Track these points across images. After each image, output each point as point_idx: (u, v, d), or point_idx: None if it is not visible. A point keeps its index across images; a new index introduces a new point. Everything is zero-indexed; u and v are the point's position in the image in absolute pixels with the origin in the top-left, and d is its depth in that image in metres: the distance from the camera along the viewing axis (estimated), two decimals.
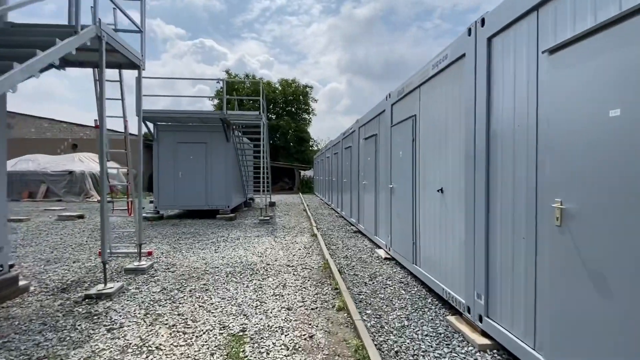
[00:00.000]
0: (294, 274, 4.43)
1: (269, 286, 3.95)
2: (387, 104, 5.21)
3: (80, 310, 3.20)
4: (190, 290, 3.80)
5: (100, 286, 3.64)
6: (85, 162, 17.07)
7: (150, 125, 9.40)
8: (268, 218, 8.93)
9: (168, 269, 4.70)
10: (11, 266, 3.66)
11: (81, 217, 9.45)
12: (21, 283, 3.64)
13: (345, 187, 9.21)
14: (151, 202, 9.87)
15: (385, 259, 5.14)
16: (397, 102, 4.79)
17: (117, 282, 3.95)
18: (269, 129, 16.40)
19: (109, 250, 4.47)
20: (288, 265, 4.86)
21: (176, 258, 5.25)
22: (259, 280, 4.19)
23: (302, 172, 27.06)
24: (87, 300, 3.44)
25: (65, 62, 4.09)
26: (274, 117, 28.89)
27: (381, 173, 5.64)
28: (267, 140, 11.07)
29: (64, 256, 5.30)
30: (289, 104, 30.06)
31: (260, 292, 3.73)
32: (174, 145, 9.47)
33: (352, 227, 8.20)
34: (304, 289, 3.84)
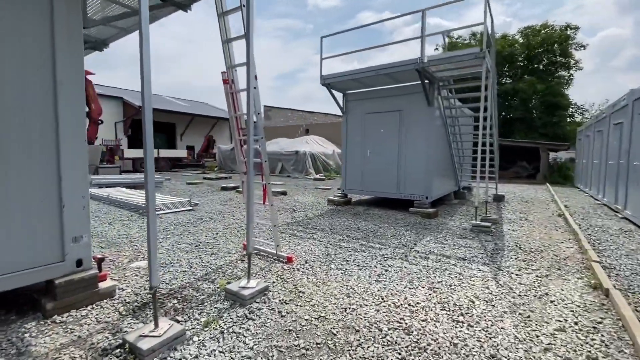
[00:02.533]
0: None
1: None
2: None
3: None
4: None
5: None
6: (310, 144, 19.12)
7: (339, 96, 8.06)
8: (489, 224, 5.41)
9: (285, 302, 2.79)
10: (101, 260, 2.86)
11: (284, 193, 9.71)
12: (105, 285, 2.77)
13: None
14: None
15: None
16: None
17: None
18: (497, 93, 11.70)
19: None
20: None
21: (312, 280, 3.29)
22: None
23: (553, 154, 18.79)
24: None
25: None
26: (508, 80, 22.03)
27: None
28: (493, 97, 7.15)
29: (213, 242, 4.62)
30: (534, 59, 21.85)
31: None
32: (362, 116, 7.71)
33: None
34: None
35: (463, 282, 3.25)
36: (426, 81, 6.45)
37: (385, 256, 4.05)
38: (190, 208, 7.12)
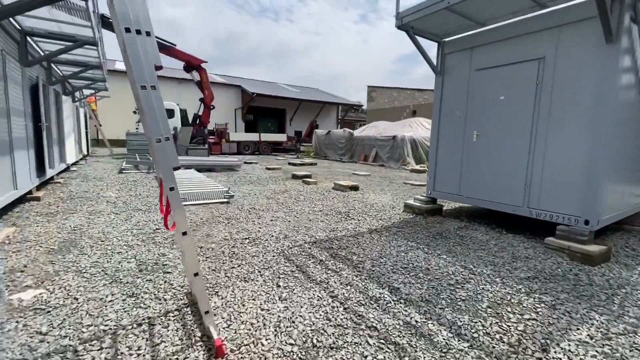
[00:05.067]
0: None
1: None
2: None
3: None
4: None
5: None
6: (414, 127, 15.97)
7: (430, 49, 5.26)
8: None
9: None
10: None
11: (354, 189, 7.56)
12: None
13: None
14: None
15: None
16: None
17: None
18: None
19: None
20: None
21: None
22: None
23: None
24: None
25: None
26: None
27: None
28: None
29: (164, 268, 3.02)
30: None
31: None
32: (467, 76, 4.76)
33: None
34: None
35: None
36: None
37: None
38: (225, 200, 5.87)
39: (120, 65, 25.63)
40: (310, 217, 4.97)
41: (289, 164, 13.98)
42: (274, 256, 3.34)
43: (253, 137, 20.81)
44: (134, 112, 17.21)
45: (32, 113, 5.73)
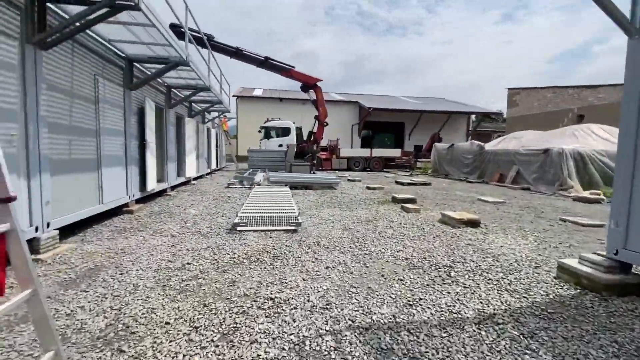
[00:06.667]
0: None
1: None
2: None
3: None
4: None
5: None
6: (581, 137, 11.53)
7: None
8: None
9: None
10: None
11: (473, 224, 5.30)
12: None
13: None
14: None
15: None
16: None
17: None
18: None
19: None
20: None
21: None
22: None
23: None
24: None
25: None
26: None
27: None
28: None
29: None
30: None
31: None
32: None
33: None
34: None
35: None
36: None
37: None
38: (292, 228, 4.84)
39: (247, 92, 29.39)
40: (386, 270, 3.35)
41: (396, 182, 12.17)
42: (281, 354, 1.98)
43: (364, 152, 19.82)
44: (259, 131, 18.97)
45: (138, 133, 6.25)
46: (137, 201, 6.32)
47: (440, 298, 2.73)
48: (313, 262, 3.54)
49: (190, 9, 6.08)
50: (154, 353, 1.95)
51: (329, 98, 27.11)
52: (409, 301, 2.67)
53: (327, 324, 2.30)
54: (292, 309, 2.50)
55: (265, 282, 2.99)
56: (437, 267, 3.47)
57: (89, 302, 2.57)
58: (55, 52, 3.77)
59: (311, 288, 2.88)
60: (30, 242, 3.37)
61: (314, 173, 13.26)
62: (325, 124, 17.48)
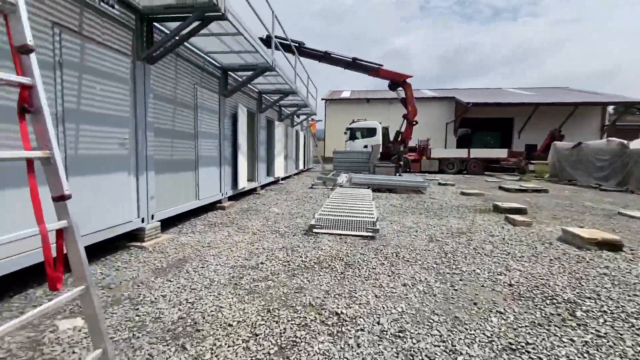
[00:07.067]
0: None
1: None
2: None
3: None
4: None
5: None
6: None
7: None
8: None
9: None
10: None
11: (614, 246, 4.01)
12: None
13: None
14: None
15: None
16: None
17: None
18: None
19: None
20: None
21: None
22: None
23: None
24: None
25: None
26: None
27: None
28: None
29: None
30: None
31: None
32: None
33: None
34: None
35: None
36: None
37: None
38: (369, 235, 4.49)
39: (335, 95, 29.74)
40: (481, 297, 2.72)
41: (500, 188, 10.46)
42: None
43: (460, 153, 17.80)
44: (345, 132, 19.01)
45: (231, 136, 6.81)
46: (229, 198, 6.88)
47: (558, 347, 2.03)
48: (389, 276, 3.14)
49: (276, 16, 6.32)
50: (211, 357, 1.91)
51: (420, 95, 25.45)
52: (511, 344, 2.06)
53: (397, 357, 1.91)
54: (358, 330, 2.19)
55: (333, 293, 2.74)
56: (555, 301, 2.65)
57: (170, 291, 2.76)
58: (161, 66, 4.30)
59: (383, 308, 2.50)
60: (137, 231, 3.89)
61: (399, 175, 12.50)
62: (414, 122, 16.37)
